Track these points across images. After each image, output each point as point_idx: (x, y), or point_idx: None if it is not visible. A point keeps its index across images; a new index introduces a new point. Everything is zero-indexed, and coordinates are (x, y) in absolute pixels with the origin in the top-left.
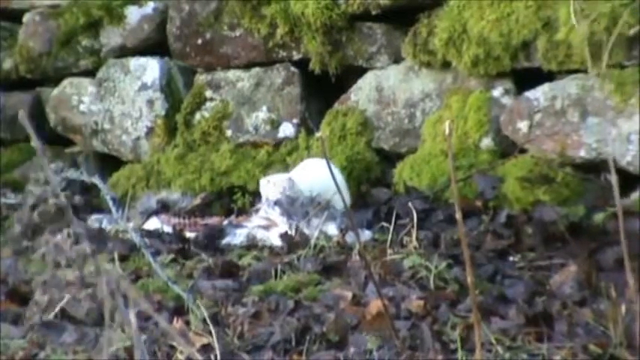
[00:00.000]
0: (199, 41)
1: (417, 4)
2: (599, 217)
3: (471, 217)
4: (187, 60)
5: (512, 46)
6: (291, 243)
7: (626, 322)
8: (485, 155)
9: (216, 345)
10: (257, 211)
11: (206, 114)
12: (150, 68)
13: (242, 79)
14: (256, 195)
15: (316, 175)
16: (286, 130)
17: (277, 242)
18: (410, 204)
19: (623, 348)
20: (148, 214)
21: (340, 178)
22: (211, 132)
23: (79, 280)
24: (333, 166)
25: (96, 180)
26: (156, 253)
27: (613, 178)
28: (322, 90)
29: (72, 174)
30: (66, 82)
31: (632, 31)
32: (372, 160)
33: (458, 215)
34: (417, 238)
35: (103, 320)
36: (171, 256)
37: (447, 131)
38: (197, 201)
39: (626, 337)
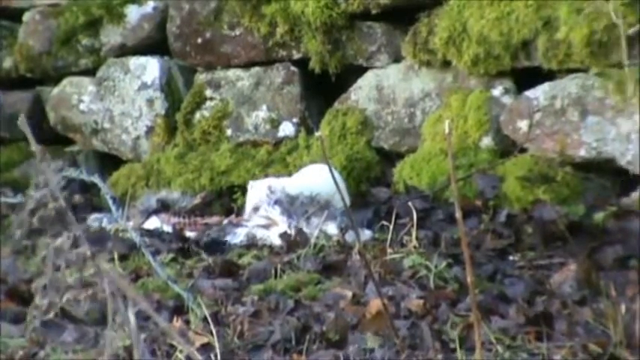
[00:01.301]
0: (199, 40)
1: (417, 3)
2: (599, 216)
3: (470, 217)
4: (187, 59)
5: (513, 45)
6: (291, 242)
7: (625, 321)
8: (485, 154)
9: (216, 344)
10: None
11: (206, 113)
12: (150, 67)
13: (242, 79)
14: None
15: (317, 178)
16: (286, 129)
17: (277, 241)
18: (410, 203)
19: (623, 347)
20: (148, 214)
21: (340, 180)
22: (211, 131)
23: (79, 282)
24: (334, 170)
25: (96, 179)
26: (156, 253)
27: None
28: (322, 89)
29: (72, 173)
30: (66, 81)
31: (631, 30)
32: (372, 159)
33: (458, 214)
34: (417, 238)
35: (104, 319)
36: (171, 255)
37: (446, 130)
38: (197, 200)
39: (626, 337)
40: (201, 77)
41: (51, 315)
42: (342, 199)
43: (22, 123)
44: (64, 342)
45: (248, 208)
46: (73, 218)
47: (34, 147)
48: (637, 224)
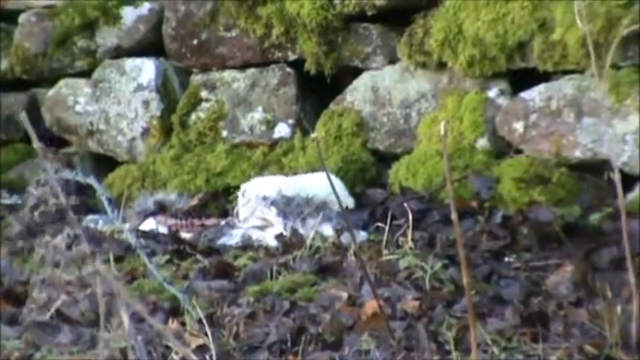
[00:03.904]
0: (195, 42)
1: (412, 4)
2: (594, 217)
3: (466, 218)
4: (183, 61)
5: (508, 47)
6: (287, 243)
7: (621, 322)
8: (481, 156)
9: (211, 346)
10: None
11: (202, 114)
12: (145, 69)
13: (237, 80)
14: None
15: (317, 180)
16: (282, 130)
17: (273, 243)
18: (405, 204)
19: (619, 348)
20: (145, 215)
21: (340, 183)
22: (207, 132)
23: (77, 281)
24: (333, 177)
25: (91, 180)
26: (151, 254)
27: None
28: (318, 91)
29: (67, 174)
30: (62, 82)
31: (626, 32)
32: (368, 160)
33: (453, 216)
34: (413, 239)
35: (99, 321)
36: (167, 256)
37: (442, 132)
38: (194, 201)
39: (622, 338)
40: (196, 78)
41: (47, 315)
42: (338, 199)
43: (24, 120)
44: (60, 343)
45: (242, 212)
46: (74, 216)
47: (35, 145)
48: (634, 225)
